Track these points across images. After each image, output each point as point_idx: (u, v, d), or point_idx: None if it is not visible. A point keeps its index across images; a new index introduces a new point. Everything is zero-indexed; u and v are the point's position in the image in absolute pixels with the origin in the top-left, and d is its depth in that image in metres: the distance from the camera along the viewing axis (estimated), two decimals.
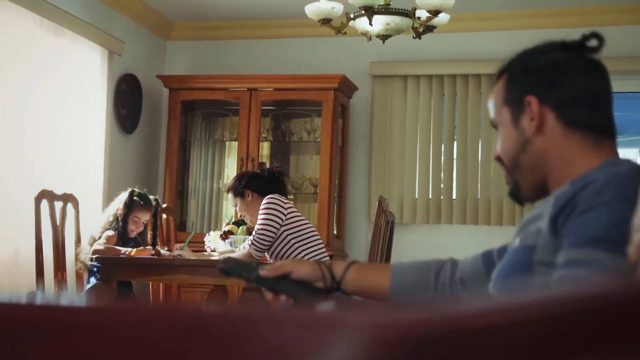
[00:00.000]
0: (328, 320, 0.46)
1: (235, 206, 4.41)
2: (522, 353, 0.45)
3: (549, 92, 1.56)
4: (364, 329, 0.45)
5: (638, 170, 1.47)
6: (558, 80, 1.56)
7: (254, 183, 4.32)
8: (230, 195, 4.41)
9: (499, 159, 1.64)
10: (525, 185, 1.60)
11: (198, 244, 4.84)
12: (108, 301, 0.52)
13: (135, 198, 4.52)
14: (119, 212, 4.51)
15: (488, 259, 1.73)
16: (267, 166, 4.66)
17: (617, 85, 6.42)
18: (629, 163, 1.51)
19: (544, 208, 1.49)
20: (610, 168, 1.47)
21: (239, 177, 4.42)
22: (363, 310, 0.46)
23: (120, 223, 4.49)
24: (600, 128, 1.57)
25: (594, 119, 1.56)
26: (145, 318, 0.47)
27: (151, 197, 4.65)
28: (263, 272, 1.69)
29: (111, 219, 4.53)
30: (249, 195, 4.29)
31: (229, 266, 1.70)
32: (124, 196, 4.55)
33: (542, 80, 1.57)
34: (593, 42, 1.58)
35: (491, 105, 1.65)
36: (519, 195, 1.62)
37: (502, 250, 1.70)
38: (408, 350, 0.44)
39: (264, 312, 0.46)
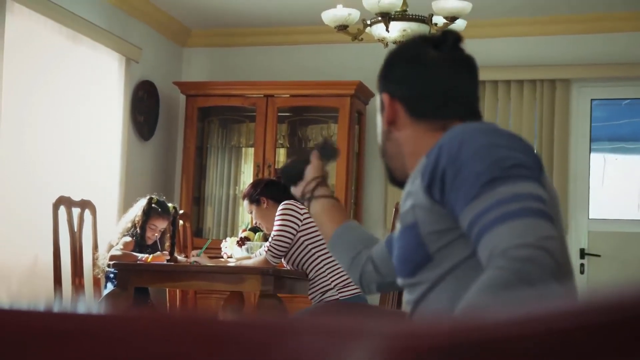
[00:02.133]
0: (349, 328, 0.46)
1: (251, 213, 4.41)
2: None
3: (399, 88, 1.70)
4: (385, 338, 0.45)
5: (479, 123, 1.58)
6: (409, 75, 1.70)
7: (270, 190, 4.31)
8: (245, 202, 4.41)
9: None
10: (394, 170, 1.75)
11: (215, 250, 4.84)
12: (127, 307, 0.52)
13: (153, 205, 4.53)
14: (137, 219, 4.52)
15: (390, 244, 1.87)
16: None
17: (635, 91, 6.35)
18: (469, 123, 1.59)
19: (408, 187, 1.59)
20: (453, 130, 1.54)
21: (255, 185, 4.41)
22: (384, 319, 0.46)
23: (138, 230, 4.50)
24: (446, 117, 1.65)
25: (443, 111, 1.66)
26: (167, 326, 0.47)
27: (170, 205, 4.65)
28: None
29: (129, 225, 4.54)
30: (264, 203, 4.29)
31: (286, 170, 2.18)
32: (142, 203, 4.56)
33: (396, 76, 1.71)
34: (450, 38, 1.72)
35: None
36: (394, 179, 1.77)
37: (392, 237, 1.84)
38: (437, 359, 0.44)
39: (285, 320, 0.46)
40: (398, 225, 1.62)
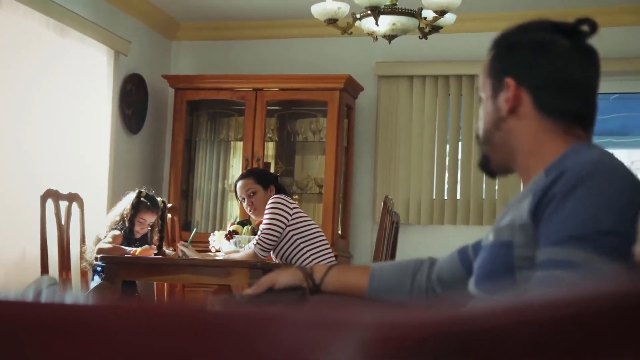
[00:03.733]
0: (334, 319, 0.46)
1: (250, 194, 4.33)
2: (530, 354, 0.45)
3: (527, 75, 1.55)
4: (371, 329, 0.45)
5: (609, 159, 1.46)
6: (539, 63, 1.56)
7: (277, 182, 4.35)
8: (245, 182, 4.34)
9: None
10: (493, 160, 1.61)
11: (203, 244, 4.84)
12: (115, 300, 0.52)
13: (142, 199, 4.52)
14: (126, 212, 4.51)
15: (464, 256, 1.74)
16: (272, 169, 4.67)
17: (623, 86, 6.38)
18: (599, 150, 1.50)
19: (517, 201, 1.50)
20: (582, 156, 1.46)
21: (266, 171, 4.47)
22: (371, 310, 0.46)
23: (127, 224, 4.49)
24: (574, 116, 1.55)
25: (569, 106, 1.55)
26: (157, 317, 0.47)
27: (159, 199, 4.64)
28: (247, 291, 1.72)
29: (118, 218, 4.53)
30: (272, 191, 4.30)
31: None
32: (131, 197, 4.55)
33: (523, 62, 1.56)
34: (585, 27, 1.57)
35: (479, 78, 1.66)
36: (488, 167, 1.64)
37: (477, 246, 1.69)
38: (414, 349, 0.44)
39: (274, 311, 0.46)
40: (491, 235, 1.54)
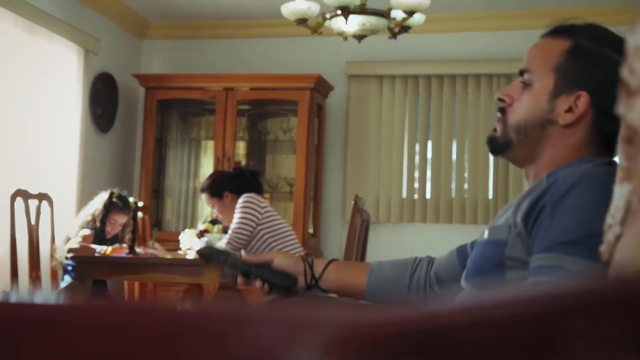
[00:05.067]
0: (303, 318, 0.47)
1: (213, 207, 4.36)
2: (500, 351, 0.45)
3: (601, 97, 1.47)
4: (339, 328, 0.45)
5: (608, 169, 1.44)
6: (613, 90, 1.46)
7: (233, 184, 4.28)
8: (205, 195, 4.35)
9: (502, 101, 1.57)
10: (517, 150, 1.55)
11: (174, 243, 4.83)
12: (86, 299, 0.51)
13: (114, 200, 4.51)
14: (97, 212, 4.50)
15: (462, 253, 1.74)
16: (243, 165, 4.61)
17: None
18: (600, 161, 1.48)
19: (518, 201, 1.48)
20: (580, 165, 1.45)
21: (215, 179, 4.35)
22: (339, 308, 0.46)
23: (98, 224, 4.47)
24: (612, 138, 1.51)
25: (614, 131, 1.48)
26: (124, 316, 0.48)
27: (131, 199, 4.63)
28: (246, 257, 1.74)
29: (89, 218, 4.52)
30: (227, 197, 4.26)
31: (207, 252, 1.77)
32: (103, 197, 4.53)
33: (608, 84, 1.43)
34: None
35: (533, 56, 1.56)
36: (505, 150, 1.56)
37: (475, 243, 1.69)
38: (384, 348, 0.44)
39: (242, 310, 0.47)
40: (486, 232, 1.53)
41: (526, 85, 1.55)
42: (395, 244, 5.94)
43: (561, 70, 1.51)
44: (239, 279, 1.73)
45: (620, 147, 0.88)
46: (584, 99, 1.48)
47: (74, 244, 4.34)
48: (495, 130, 1.59)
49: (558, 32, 1.56)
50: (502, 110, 1.57)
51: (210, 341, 0.46)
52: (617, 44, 1.50)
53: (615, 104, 1.47)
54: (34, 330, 0.48)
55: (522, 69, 1.58)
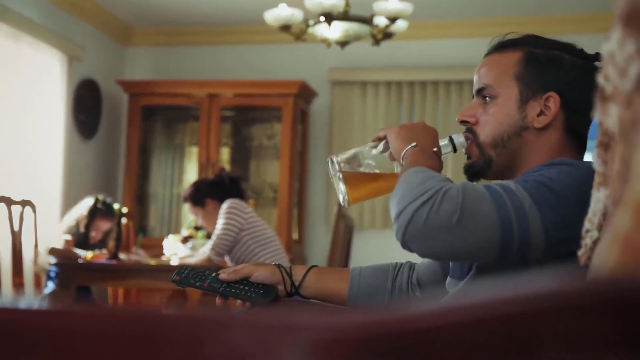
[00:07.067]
0: (280, 322, 0.47)
1: (196, 216, 4.36)
2: (476, 353, 0.46)
3: (572, 97, 1.52)
4: (315, 331, 0.45)
5: (577, 170, 1.43)
6: (582, 88, 1.50)
7: (215, 191, 4.27)
8: (187, 205, 4.34)
9: (465, 122, 1.58)
10: (496, 164, 1.55)
11: (158, 249, 4.83)
12: (64, 304, 0.51)
13: (99, 206, 4.50)
14: (81, 218, 4.49)
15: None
16: (225, 172, 4.58)
17: None
18: (580, 163, 1.48)
19: None
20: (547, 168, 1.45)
21: (197, 187, 4.34)
22: (314, 312, 0.47)
23: (82, 229, 4.47)
24: (584, 136, 1.55)
25: (588, 127, 1.54)
26: (102, 321, 0.48)
27: (115, 205, 4.62)
28: (222, 275, 1.70)
29: (73, 223, 4.51)
30: (209, 204, 4.26)
31: (182, 277, 1.72)
32: (88, 202, 4.52)
33: (571, 83, 1.52)
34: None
35: (488, 73, 1.58)
36: (485, 171, 1.57)
37: None
38: (358, 351, 0.45)
39: (218, 315, 0.47)
40: None
41: (490, 99, 1.56)
42: (379, 250, 5.95)
43: (522, 77, 1.53)
44: (217, 300, 1.70)
45: (596, 153, 0.90)
46: (554, 100, 1.51)
47: (56, 246, 4.33)
48: (468, 158, 1.59)
49: (503, 46, 1.59)
50: (470, 131, 1.58)
51: (190, 346, 0.46)
52: (561, 47, 1.55)
53: (580, 100, 1.51)
54: (15, 336, 0.48)
55: (479, 88, 1.59)
